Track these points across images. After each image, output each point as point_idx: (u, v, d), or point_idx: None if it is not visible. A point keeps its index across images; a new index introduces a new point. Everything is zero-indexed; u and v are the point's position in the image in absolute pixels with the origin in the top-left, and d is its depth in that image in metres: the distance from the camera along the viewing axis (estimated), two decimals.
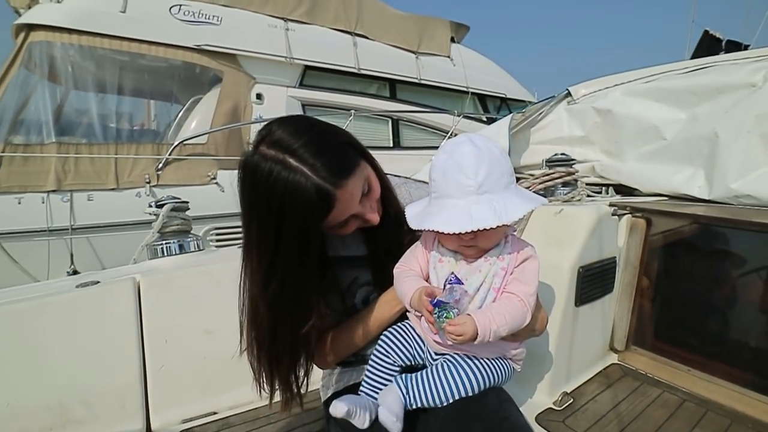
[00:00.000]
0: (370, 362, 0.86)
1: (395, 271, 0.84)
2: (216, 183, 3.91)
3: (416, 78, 5.58)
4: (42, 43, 3.48)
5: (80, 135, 3.77)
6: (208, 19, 4.16)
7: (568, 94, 2.19)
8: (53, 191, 3.28)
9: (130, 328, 1.19)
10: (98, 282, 1.23)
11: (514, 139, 2.07)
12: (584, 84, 2.13)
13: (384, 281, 0.89)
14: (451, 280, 0.76)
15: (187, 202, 1.58)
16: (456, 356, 0.80)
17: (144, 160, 3.68)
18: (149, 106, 6.07)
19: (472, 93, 6.16)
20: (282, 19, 4.65)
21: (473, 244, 0.74)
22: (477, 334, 0.69)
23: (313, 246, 0.74)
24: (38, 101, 3.60)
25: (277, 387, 0.85)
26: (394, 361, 0.85)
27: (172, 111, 4.84)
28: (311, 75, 4.84)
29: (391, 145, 5.43)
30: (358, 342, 0.92)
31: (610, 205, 1.44)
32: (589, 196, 1.67)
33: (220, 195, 3.83)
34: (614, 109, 1.95)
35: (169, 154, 3.67)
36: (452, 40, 6.22)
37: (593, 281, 1.37)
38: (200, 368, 1.26)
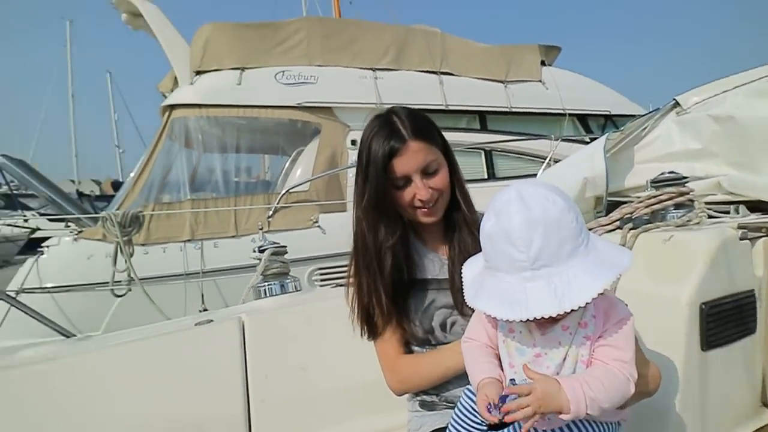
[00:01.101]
0: (453, 417, 0.81)
1: (462, 345, 0.79)
2: (318, 226, 4.22)
3: (506, 107, 5.47)
4: (181, 119, 4.23)
5: (209, 190, 4.43)
6: (306, 79, 4.65)
7: (677, 104, 1.95)
8: (188, 240, 3.86)
9: (236, 363, 1.31)
10: (212, 321, 1.40)
11: (613, 160, 1.89)
12: (694, 91, 1.87)
13: (463, 304, 0.87)
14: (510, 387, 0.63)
15: (285, 247, 1.73)
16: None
17: (258, 209, 4.16)
18: (263, 160, 6.90)
19: (570, 114, 5.81)
20: (371, 69, 4.99)
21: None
22: (567, 403, 0.57)
23: (385, 190, 0.93)
24: (178, 166, 4.35)
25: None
26: (482, 421, 0.74)
27: (282, 163, 5.44)
28: None
29: (486, 176, 5.34)
30: (431, 375, 0.92)
31: (739, 227, 1.21)
32: (711, 217, 1.43)
33: (323, 237, 4.11)
34: (737, 115, 1.67)
35: (277, 203, 4.09)
36: (543, 63, 6.03)
37: (725, 320, 1.14)
38: (297, 403, 1.33)
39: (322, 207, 4.29)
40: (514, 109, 5.51)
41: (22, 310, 1.98)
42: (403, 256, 0.98)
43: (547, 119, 5.79)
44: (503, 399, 0.60)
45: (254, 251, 1.73)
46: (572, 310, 0.57)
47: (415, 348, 1.01)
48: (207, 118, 4.30)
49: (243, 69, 4.42)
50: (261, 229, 4.03)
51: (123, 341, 1.33)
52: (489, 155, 5.35)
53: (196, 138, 4.36)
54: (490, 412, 0.61)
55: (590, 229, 1.19)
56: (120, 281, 2.95)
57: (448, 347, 0.93)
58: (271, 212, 4.09)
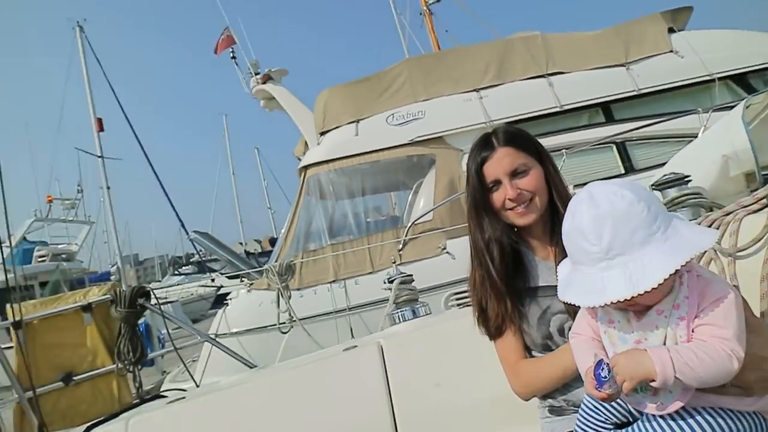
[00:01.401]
0: (578, 418, 0.82)
1: (571, 340, 0.83)
2: (447, 252, 4.30)
3: (633, 90, 4.91)
4: (314, 176, 4.85)
5: (345, 234, 4.92)
6: (415, 116, 4.92)
7: None
8: (333, 281, 4.31)
9: (380, 383, 1.45)
10: (356, 346, 1.58)
11: (764, 128, 1.59)
12: None
13: (577, 308, 0.88)
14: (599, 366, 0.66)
15: (411, 275, 1.87)
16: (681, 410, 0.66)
17: (389, 244, 4.46)
18: (390, 198, 7.36)
19: (721, 78, 4.92)
20: (474, 90, 5.04)
21: (634, 303, 0.64)
22: (653, 366, 0.60)
23: (482, 193, 1.05)
24: (317, 217, 4.95)
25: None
26: (606, 419, 0.77)
27: (406, 197, 5.76)
28: None
29: (623, 171, 4.80)
30: (551, 376, 0.93)
31: None
32: None
33: (453, 262, 4.17)
34: None
35: (405, 236, 4.32)
36: (671, 30, 5.28)
37: None
38: (437, 418, 1.40)
39: (448, 233, 4.37)
40: (643, 91, 4.91)
41: (221, 349, 2.51)
42: (514, 261, 1.05)
43: (692, 91, 5.00)
44: (599, 378, 0.64)
45: (384, 282, 1.90)
46: (664, 295, 0.58)
47: (536, 354, 1.03)
48: (335, 170, 4.85)
49: (358, 121, 4.92)
50: (394, 262, 4.32)
51: (291, 367, 1.60)
52: (622, 147, 4.82)
53: (328, 190, 4.93)
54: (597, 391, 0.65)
55: (730, 212, 1.05)
56: (284, 322, 3.46)
57: (564, 347, 0.94)
58: (401, 245, 4.33)
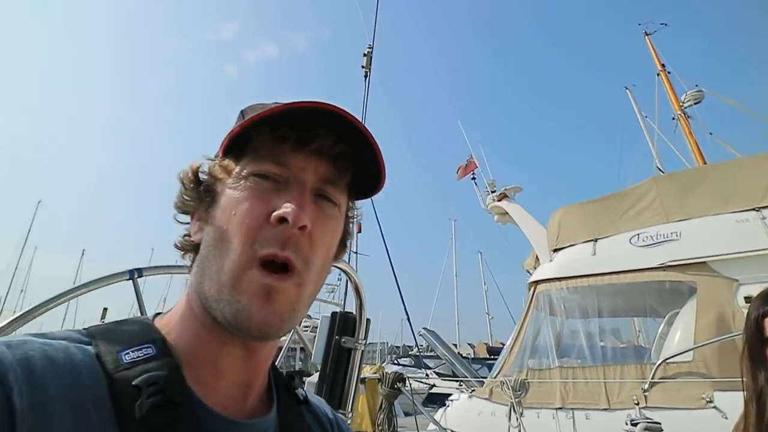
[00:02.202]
0: None
1: None
2: (714, 407, 3.43)
3: None
4: (544, 292, 4.84)
5: (574, 357, 4.55)
6: (667, 237, 4.43)
7: None
8: (559, 408, 3.98)
9: None
10: None
11: None
12: None
13: None
14: None
15: (660, 424, 1.70)
16: None
17: (630, 377, 3.89)
18: (633, 324, 6.46)
19: None
20: (753, 210, 4.23)
21: None
22: None
23: (756, 344, 1.05)
24: (545, 334, 4.80)
25: None
26: None
27: (653, 326, 4.99)
28: None
29: None
30: None
31: None
32: None
33: (722, 422, 3.29)
34: None
35: (652, 377, 3.71)
36: None
37: None
38: None
39: (717, 383, 3.52)
40: None
41: None
42: None
43: None
44: None
45: (626, 424, 1.79)
46: None
47: None
48: (567, 289, 4.72)
49: (596, 240, 4.77)
50: (636, 404, 3.72)
51: None
52: None
53: (559, 307, 4.79)
54: None
55: None
56: None
57: None
58: (646, 385, 3.72)
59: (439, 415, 4.73)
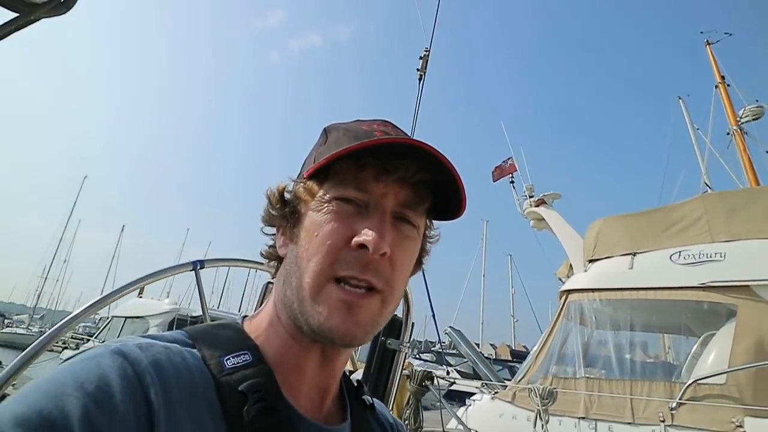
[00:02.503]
0: None
1: None
2: None
3: None
4: (576, 302, 4.83)
5: (600, 368, 4.55)
6: (710, 257, 4.33)
7: None
8: (582, 418, 4.01)
9: None
10: None
11: None
12: None
13: None
14: None
15: None
16: None
17: (658, 394, 3.87)
18: (663, 340, 6.33)
19: None
20: None
21: None
22: None
23: None
24: (572, 342, 4.81)
25: None
26: None
27: (685, 344, 4.89)
28: None
29: None
30: None
31: None
32: None
33: None
34: None
35: (682, 396, 3.68)
36: None
37: None
38: None
39: (749, 410, 3.46)
40: None
41: None
42: None
43: None
44: None
45: None
46: None
47: None
48: (600, 300, 4.70)
49: (634, 254, 4.70)
50: (662, 421, 3.71)
51: None
52: None
53: (590, 318, 4.78)
54: None
55: None
56: None
57: None
58: (674, 404, 3.70)
59: (460, 413, 4.84)
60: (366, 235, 0.46)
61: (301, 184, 0.52)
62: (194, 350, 0.45)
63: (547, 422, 3.24)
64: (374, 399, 0.63)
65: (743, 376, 3.66)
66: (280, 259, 0.54)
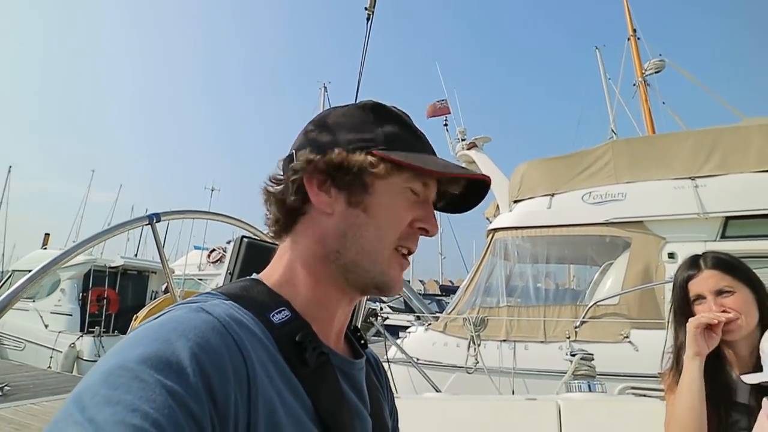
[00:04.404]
0: None
1: None
2: (629, 342, 4.10)
3: None
4: (501, 239, 5.28)
5: (519, 296, 5.13)
6: (614, 197, 4.91)
7: None
8: (503, 340, 4.57)
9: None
10: (536, 399, 1.94)
11: None
12: None
13: None
14: None
15: (592, 354, 2.12)
16: None
17: (566, 316, 4.50)
18: (569, 270, 7.21)
19: None
20: (689, 178, 4.74)
21: None
22: None
23: (685, 304, 1.26)
24: (496, 275, 5.31)
25: None
26: None
27: (588, 273, 5.64)
28: (735, 225, 4.44)
29: None
30: None
31: None
32: None
33: (634, 354, 3.97)
34: None
35: (584, 316, 4.31)
36: None
37: None
38: None
39: (635, 323, 4.18)
40: None
41: (419, 370, 3.14)
42: (709, 373, 1.15)
43: None
44: None
45: (566, 354, 2.20)
46: None
47: None
48: (522, 237, 5.19)
49: (553, 195, 5.19)
50: (568, 338, 4.36)
51: (480, 399, 2.05)
52: None
53: (513, 253, 5.28)
54: None
55: None
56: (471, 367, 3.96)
57: None
58: (578, 323, 4.34)
59: (399, 342, 5.24)
60: (430, 225, 0.61)
61: (371, 159, 0.57)
62: (246, 310, 0.50)
63: (479, 346, 3.67)
64: None
65: (631, 297, 4.36)
66: (297, 213, 0.59)
